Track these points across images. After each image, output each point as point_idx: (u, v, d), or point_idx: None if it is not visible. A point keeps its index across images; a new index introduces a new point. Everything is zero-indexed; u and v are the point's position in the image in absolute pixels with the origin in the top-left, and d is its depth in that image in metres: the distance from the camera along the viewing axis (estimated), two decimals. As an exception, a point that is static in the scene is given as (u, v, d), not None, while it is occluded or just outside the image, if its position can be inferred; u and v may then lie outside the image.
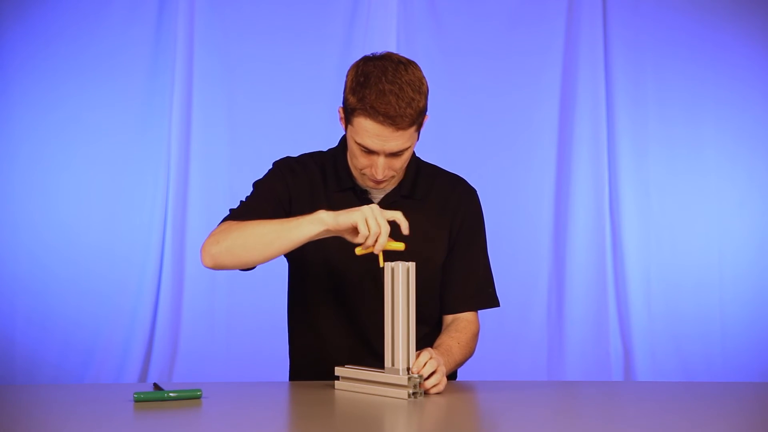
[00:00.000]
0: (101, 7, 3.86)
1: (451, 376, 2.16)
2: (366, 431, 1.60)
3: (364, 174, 2.04)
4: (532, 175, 4.01)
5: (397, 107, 1.90)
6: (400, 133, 1.94)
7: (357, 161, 2.02)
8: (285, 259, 2.18)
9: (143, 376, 3.81)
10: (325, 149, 2.22)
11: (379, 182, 2.05)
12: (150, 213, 3.87)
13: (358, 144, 1.97)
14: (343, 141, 2.17)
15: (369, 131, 1.94)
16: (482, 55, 3.96)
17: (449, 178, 2.21)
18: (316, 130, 3.91)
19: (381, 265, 1.88)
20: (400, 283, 1.83)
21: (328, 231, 1.88)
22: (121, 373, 3.81)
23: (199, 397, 1.79)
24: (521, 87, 4.00)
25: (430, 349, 1.89)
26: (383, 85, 1.91)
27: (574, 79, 4.01)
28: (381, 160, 1.98)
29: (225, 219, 2.06)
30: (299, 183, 2.12)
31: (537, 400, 1.91)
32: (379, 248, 1.85)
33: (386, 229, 1.84)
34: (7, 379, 3.72)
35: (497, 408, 1.87)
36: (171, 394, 1.76)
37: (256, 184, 2.15)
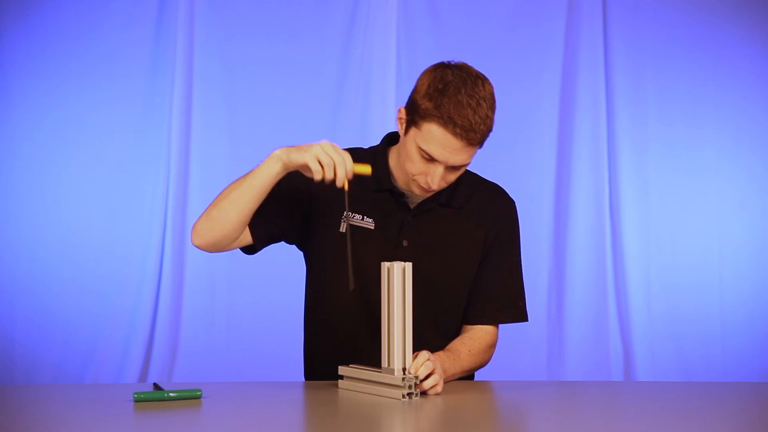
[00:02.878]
0: (101, 7, 3.86)
1: (468, 376, 2.13)
2: (363, 431, 1.60)
3: (414, 180, 1.98)
4: (532, 175, 4.01)
5: (473, 121, 1.86)
6: (469, 148, 1.90)
7: (413, 166, 1.96)
8: (303, 260, 2.16)
9: (143, 376, 3.81)
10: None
11: (428, 191, 2.00)
12: (150, 213, 3.87)
13: (421, 150, 1.92)
14: (387, 140, 2.13)
15: (439, 140, 1.88)
16: (482, 55, 3.95)
17: (489, 189, 2.16)
18: (316, 130, 3.91)
19: (346, 188, 1.87)
20: (396, 283, 1.83)
21: (286, 167, 1.90)
22: (121, 373, 3.81)
23: (199, 397, 1.79)
24: (521, 87, 3.99)
25: (427, 351, 1.88)
26: (462, 97, 1.87)
27: (574, 79, 4.01)
28: (439, 170, 1.93)
29: None
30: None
31: (537, 400, 1.91)
32: (341, 182, 1.85)
33: (341, 159, 1.84)
34: (7, 379, 3.72)
35: (497, 408, 1.87)
36: (171, 394, 1.76)
37: None
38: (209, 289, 3.88)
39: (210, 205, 2.00)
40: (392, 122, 3.93)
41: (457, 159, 1.91)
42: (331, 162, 1.84)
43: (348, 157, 1.87)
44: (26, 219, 3.81)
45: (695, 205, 4.01)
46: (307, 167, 1.87)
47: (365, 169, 1.89)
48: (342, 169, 1.85)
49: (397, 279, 1.83)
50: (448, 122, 1.86)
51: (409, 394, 1.79)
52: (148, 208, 3.88)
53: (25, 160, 3.83)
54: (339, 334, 2.12)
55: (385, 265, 1.85)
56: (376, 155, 2.10)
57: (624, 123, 4.02)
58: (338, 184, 1.86)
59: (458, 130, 1.86)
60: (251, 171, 1.94)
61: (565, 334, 3.97)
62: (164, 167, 3.88)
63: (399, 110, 1.99)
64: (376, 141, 3.98)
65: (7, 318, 3.78)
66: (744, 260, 3.99)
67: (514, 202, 2.18)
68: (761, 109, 4.02)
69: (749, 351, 3.93)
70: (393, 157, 2.09)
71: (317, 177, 1.86)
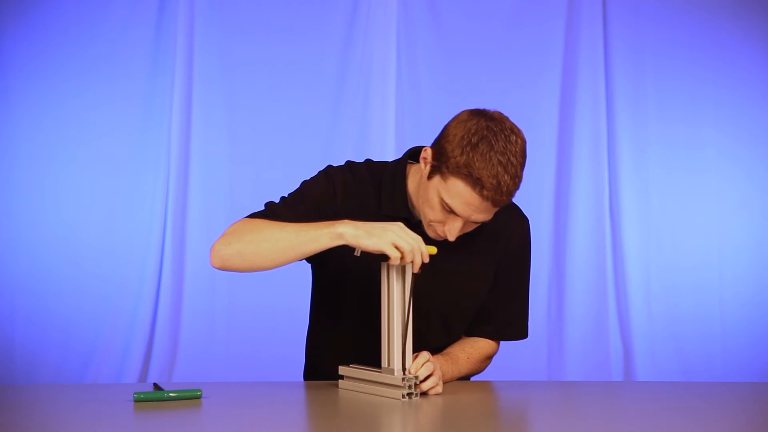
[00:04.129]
0: (101, 7, 3.86)
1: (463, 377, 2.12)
2: (363, 431, 1.60)
3: (430, 225, 1.91)
4: (532, 175, 3.99)
5: (501, 182, 1.79)
6: (493, 209, 1.85)
7: (432, 213, 1.89)
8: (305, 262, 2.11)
9: (143, 376, 3.81)
10: (353, 156, 2.09)
11: (442, 238, 1.93)
12: (150, 213, 3.87)
13: (443, 201, 1.85)
14: (408, 155, 2.04)
15: (464, 198, 1.82)
16: (482, 55, 3.96)
17: (504, 208, 2.03)
18: (316, 130, 3.92)
19: (415, 270, 1.81)
20: (396, 283, 1.82)
21: (348, 244, 1.80)
22: (121, 373, 3.80)
23: (199, 397, 1.79)
24: (521, 87, 3.99)
25: (427, 352, 1.87)
26: (494, 155, 1.79)
27: (574, 79, 4.01)
28: (458, 224, 1.87)
29: (253, 213, 1.95)
30: (350, 202, 2.00)
31: (537, 400, 1.91)
32: (417, 268, 1.78)
33: (417, 246, 1.76)
34: (7, 379, 3.72)
35: (497, 408, 1.87)
36: (171, 394, 1.76)
37: (303, 184, 2.02)
38: (209, 289, 3.88)
39: (242, 233, 1.87)
40: (392, 122, 3.93)
41: (479, 217, 1.86)
42: (411, 250, 1.76)
43: (420, 241, 1.78)
44: (26, 219, 3.81)
45: (695, 205, 4.01)
46: (381, 252, 1.77)
47: (432, 250, 1.82)
48: (419, 257, 1.77)
49: (397, 279, 1.83)
50: (476, 183, 1.79)
51: (409, 394, 1.79)
52: (148, 208, 3.88)
53: (25, 160, 3.83)
54: (345, 339, 2.08)
55: (384, 264, 1.84)
56: (395, 177, 2.02)
57: (624, 123, 4.02)
58: (415, 270, 1.79)
59: (485, 192, 1.80)
60: (308, 230, 1.81)
61: (565, 334, 3.97)
62: (164, 167, 3.88)
63: (425, 150, 1.90)
64: (375, 142, 4.02)
65: (7, 318, 3.78)
66: (744, 260, 3.99)
67: (527, 220, 2.15)
68: (761, 109, 4.02)
69: (749, 351, 3.93)
70: (413, 178, 2.01)
71: (395, 263, 1.78)
